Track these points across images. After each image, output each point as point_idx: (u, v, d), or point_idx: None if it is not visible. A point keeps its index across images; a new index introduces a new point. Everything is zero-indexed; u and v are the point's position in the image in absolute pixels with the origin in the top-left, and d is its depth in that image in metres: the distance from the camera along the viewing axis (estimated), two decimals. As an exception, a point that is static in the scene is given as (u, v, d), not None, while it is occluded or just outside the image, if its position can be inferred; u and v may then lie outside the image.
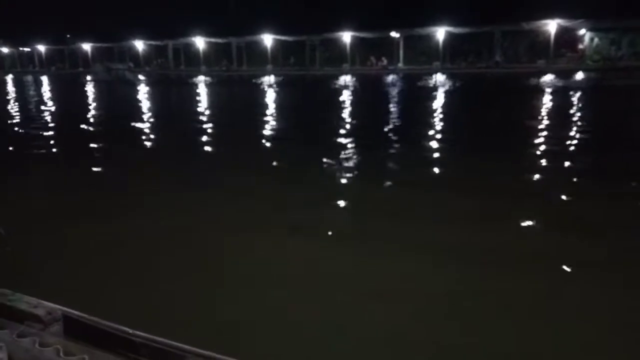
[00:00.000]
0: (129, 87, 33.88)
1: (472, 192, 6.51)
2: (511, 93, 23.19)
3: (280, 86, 32.66)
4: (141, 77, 45.83)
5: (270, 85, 32.92)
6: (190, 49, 54.50)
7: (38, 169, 8.90)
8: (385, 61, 44.57)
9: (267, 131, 12.97)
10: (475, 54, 41.49)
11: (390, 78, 36.46)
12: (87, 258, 4.45)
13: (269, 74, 45.10)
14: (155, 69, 55.01)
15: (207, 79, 42.17)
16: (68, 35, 62.14)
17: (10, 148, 11.10)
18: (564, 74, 31.01)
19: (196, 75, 45.79)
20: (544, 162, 8.63)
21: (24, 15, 60.73)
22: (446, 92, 24.61)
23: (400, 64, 43.97)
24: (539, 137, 10.93)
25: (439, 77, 34.14)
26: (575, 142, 10.51)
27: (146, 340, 2.00)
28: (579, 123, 13.17)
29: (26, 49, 67.19)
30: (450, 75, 34.75)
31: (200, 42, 52.70)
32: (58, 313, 2.20)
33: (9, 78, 51.51)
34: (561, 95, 20.99)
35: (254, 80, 37.59)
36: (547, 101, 19.03)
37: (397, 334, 3.31)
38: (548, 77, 30.18)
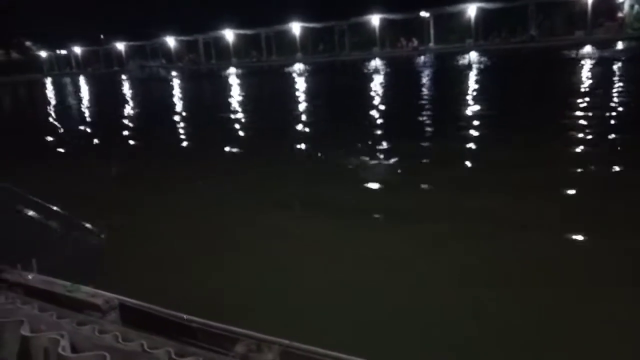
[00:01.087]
0: (164, 83, 34.44)
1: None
2: (549, 67, 22.42)
3: (311, 74, 32.56)
4: (174, 72, 46.52)
5: (300, 74, 32.88)
6: (220, 42, 54.93)
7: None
8: (415, 42, 43.80)
9: (301, 121, 12.94)
10: (509, 29, 40.17)
11: (422, 59, 35.82)
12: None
13: (298, 62, 45.02)
14: (187, 64, 55.71)
15: (238, 70, 42.45)
16: (102, 36, 63.58)
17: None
18: (604, 44, 29.75)
19: (227, 68, 46.17)
20: (588, 136, 8.34)
21: (59, 19, 62.31)
22: (480, 70, 24.00)
23: (432, 44, 43.14)
24: (581, 111, 10.54)
25: (472, 55, 33.31)
26: (620, 115, 10.10)
27: (201, 326, 2.06)
28: (622, 95, 12.65)
29: (63, 52, 69.09)
30: (483, 53, 33.84)
31: (229, 35, 53.05)
32: (115, 302, 2.28)
33: (49, 81, 53.15)
34: (602, 67, 20.15)
35: (285, 69, 37.60)
36: (587, 74, 18.32)
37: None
38: (587, 49, 29.04)
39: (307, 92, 20.81)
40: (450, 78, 21.61)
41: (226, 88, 26.97)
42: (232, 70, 43.79)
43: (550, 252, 4.13)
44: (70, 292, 2.34)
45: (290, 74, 33.78)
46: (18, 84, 52.58)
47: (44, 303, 2.30)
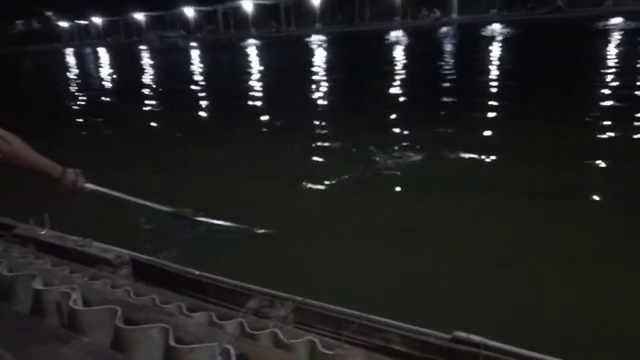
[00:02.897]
0: (183, 54, 34.29)
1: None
2: (576, 40, 21.66)
3: (330, 45, 32.10)
4: (193, 43, 46.30)
5: (319, 45, 32.44)
6: (238, 12, 54.42)
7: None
8: (438, 13, 42.75)
9: (320, 94, 12.74)
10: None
11: (444, 30, 35.00)
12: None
13: (317, 33, 44.40)
14: (206, 34, 55.39)
15: (257, 41, 42.06)
16: (121, 6, 63.39)
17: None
18: (634, 15, 28.60)
19: (246, 39, 45.76)
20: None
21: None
22: (504, 42, 23.35)
23: (454, 15, 42.09)
24: (608, 88, 10.10)
25: (497, 26, 32.42)
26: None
27: (213, 281, 2.02)
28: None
29: (83, 22, 69.19)
30: (508, 24, 32.88)
31: (248, 5, 52.46)
32: (126, 257, 2.26)
33: (70, 51, 53.40)
34: (632, 39, 19.38)
35: (307, 39, 37.13)
36: (615, 47, 17.64)
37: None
38: (616, 20, 27.98)
39: (326, 64, 20.53)
40: (472, 50, 21.02)
41: (245, 59, 26.75)
42: (251, 41, 43.40)
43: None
44: (82, 247, 2.33)
45: (309, 44, 33.34)
46: (39, 53, 53.00)
47: (57, 258, 2.29)
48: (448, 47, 24.03)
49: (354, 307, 1.65)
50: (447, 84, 12.23)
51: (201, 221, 3.02)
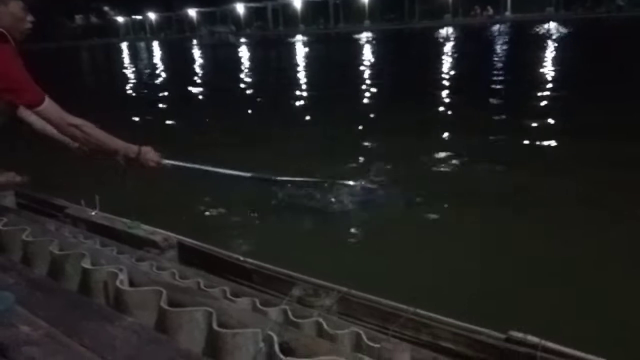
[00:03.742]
0: (234, 49, 34.76)
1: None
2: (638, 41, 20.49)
3: (378, 42, 31.82)
4: (242, 39, 46.94)
5: (367, 42, 32.21)
6: (288, 9, 54.84)
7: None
8: (491, 10, 41.70)
9: (365, 92, 12.58)
10: (597, -1, 37.22)
11: (497, 28, 34.04)
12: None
13: (366, 30, 44.13)
14: (255, 30, 56.06)
15: (305, 38, 42.20)
16: (174, 2, 65.02)
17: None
18: None
19: (294, 35, 46.01)
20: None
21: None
22: (561, 42, 22.42)
23: (508, 13, 40.94)
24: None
25: (552, 25, 31.26)
26: None
27: (257, 267, 2.00)
28: None
29: (138, 17, 71.39)
30: (565, 23, 31.63)
31: (297, 2, 52.78)
32: (173, 240, 2.27)
33: (125, 45, 55.20)
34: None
35: (356, 36, 36.93)
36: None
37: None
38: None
39: (373, 61, 20.32)
40: (526, 49, 20.21)
41: (293, 55, 26.87)
42: (299, 37, 43.60)
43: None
44: (130, 228, 2.37)
45: (357, 41, 33.16)
46: (96, 47, 55.09)
47: (105, 239, 2.34)
48: (500, 46, 23.29)
49: (401, 301, 1.58)
50: (496, 86, 11.72)
51: (282, 180, 3.33)
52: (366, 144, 6.97)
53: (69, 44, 59.06)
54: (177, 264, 2.10)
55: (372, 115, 9.25)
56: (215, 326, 1.63)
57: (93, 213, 2.55)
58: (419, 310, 1.54)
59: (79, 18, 74.61)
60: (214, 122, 9.60)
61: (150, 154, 2.36)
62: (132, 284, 2.01)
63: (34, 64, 2.24)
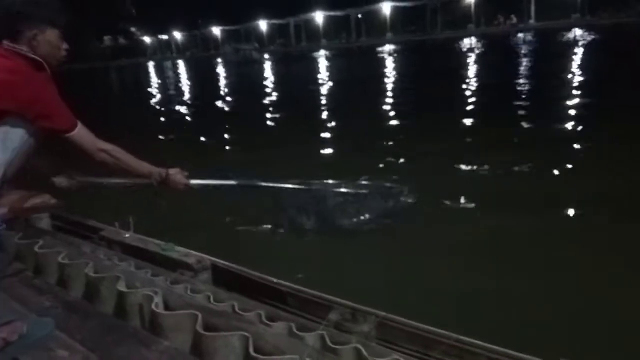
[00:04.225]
0: (259, 66, 35.17)
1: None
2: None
3: (401, 55, 31.76)
4: (266, 56, 47.52)
5: (389, 54, 32.20)
6: (310, 24, 55.38)
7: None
8: (514, 19, 41.32)
9: (389, 106, 12.51)
10: (623, 2, 36.41)
11: (521, 36, 33.65)
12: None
13: (388, 43, 44.18)
14: (279, 47, 56.72)
15: (327, 52, 42.45)
16: (200, 21, 66.37)
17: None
18: None
19: (317, 50, 46.37)
20: None
21: (161, 5, 65.98)
22: (588, 48, 22.00)
23: (532, 21, 40.47)
24: None
25: (578, 32, 30.72)
26: None
27: (292, 290, 1.97)
28: None
29: (164, 37, 73.05)
30: (590, 29, 31.05)
31: (319, 17, 53.26)
32: (207, 262, 2.26)
33: (152, 64, 56.44)
34: None
35: (378, 49, 36.96)
36: None
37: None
38: None
39: (397, 75, 20.27)
40: (552, 57, 19.87)
41: (316, 70, 27.01)
42: (321, 52, 43.89)
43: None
44: (164, 251, 2.37)
45: (379, 54, 33.17)
46: (125, 67, 56.46)
47: (140, 261, 2.35)
48: (525, 55, 22.96)
49: (442, 326, 1.53)
50: (522, 96, 11.45)
51: (315, 189, 3.39)
52: (392, 156, 6.89)
53: (99, 64, 60.78)
54: (211, 287, 2.09)
55: (399, 126, 9.20)
56: (252, 352, 1.61)
57: (127, 235, 2.57)
58: (461, 337, 1.48)
59: (107, 39, 76.72)
60: (241, 137, 9.69)
61: (178, 176, 2.38)
62: (167, 307, 2.01)
63: (67, 85, 2.29)
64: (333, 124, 10.34)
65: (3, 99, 2.03)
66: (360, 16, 51.18)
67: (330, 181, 4.14)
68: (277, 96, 16.48)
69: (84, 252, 2.48)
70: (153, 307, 1.93)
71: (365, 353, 1.45)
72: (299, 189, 3.50)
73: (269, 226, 4.36)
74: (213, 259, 2.24)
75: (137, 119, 14.06)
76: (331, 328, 1.65)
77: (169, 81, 29.92)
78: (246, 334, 1.65)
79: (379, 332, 1.63)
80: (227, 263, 2.22)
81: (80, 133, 2.13)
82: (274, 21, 58.80)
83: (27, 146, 2.23)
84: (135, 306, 2.05)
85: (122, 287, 2.13)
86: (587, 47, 22.47)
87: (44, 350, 1.82)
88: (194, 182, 2.41)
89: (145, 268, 2.25)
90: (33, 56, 2.06)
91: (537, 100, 10.65)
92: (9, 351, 1.64)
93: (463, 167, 6.08)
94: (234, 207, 4.64)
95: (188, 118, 13.63)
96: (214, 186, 2.58)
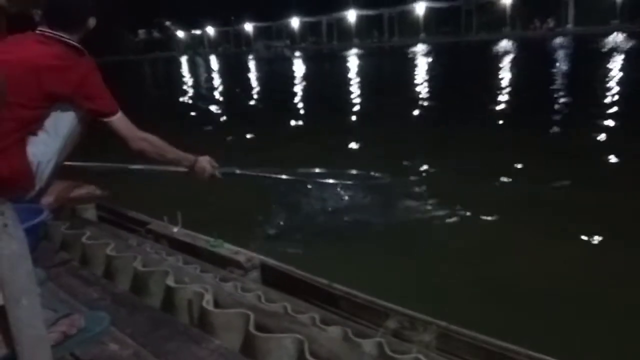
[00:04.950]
0: (289, 63, 35.21)
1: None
2: None
3: (431, 55, 31.34)
4: (297, 53, 47.60)
5: (421, 55, 31.84)
6: (342, 23, 55.26)
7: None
8: (551, 23, 40.43)
9: (421, 106, 12.32)
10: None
11: (558, 41, 32.84)
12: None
13: (421, 43, 43.75)
14: (310, 45, 56.78)
15: (359, 51, 42.25)
16: (233, 17, 66.91)
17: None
18: None
19: (348, 49, 46.21)
20: None
21: (197, 1, 66.98)
22: (628, 56, 21.22)
23: (570, 25, 39.54)
24: None
25: (619, 38, 29.82)
26: None
27: (346, 294, 1.93)
28: None
29: (197, 32, 73.90)
30: (632, 36, 30.07)
31: (352, 15, 53.08)
32: (256, 260, 2.23)
33: (184, 59, 57.10)
34: None
35: (410, 49, 36.59)
36: None
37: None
38: None
39: (429, 76, 19.99)
40: (590, 64, 19.26)
41: (344, 69, 26.87)
42: (353, 51, 43.72)
43: None
44: (213, 247, 2.36)
45: (410, 54, 32.83)
46: (158, 60, 57.32)
47: (188, 256, 2.34)
48: (563, 60, 22.37)
49: (509, 339, 1.46)
50: (559, 103, 11.07)
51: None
52: (420, 158, 6.77)
53: (133, 57, 61.85)
54: (261, 286, 2.06)
55: (425, 127, 9.08)
56: (307, 355, 1.57)
57: (175, 230, 2.57)
58: (531, 352, 1.42)
59: (142, 32, 78.02)
60: (272, 132, 9.71)
61: (206, 164, 2.49)
62: (216, 304, 1.99)
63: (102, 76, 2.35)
64: (357, 121, 10.30)
65: (56, 83, 2.11)
66: (393, 16, 50.82)
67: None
68: (305, 93, 16.49)
69: (131, 245, 2.49)
70: (204, 304, 1.91)
71: (427, 363, 1.40)
72: (326, 182, 3.60)
73: (310, 222, 4.29)
74: (262, 257, 2.22)
75: (169, 111, 14.26)
76: (389, 335, 1.60)
77: (201, 76, 30.23)
78: (300, 336, 1.61)
79: (440, 342, 1.57)
80: (276, 262, 2.19)
81: (122, 118, 2.25)
82: (306, 19, 58.87)
83: (76, 132, 2.29)
84: (184, 302, 2.03)
85: (170, 282, 2.12)
86: (627, 54, 21.76)
87: (96, 343, 1.82)
88: (222, 169, 2.51)
89: (193, 263, 2.24)
90: (74, 43, 2.18)
91: (571, 107, 10.32)
92: (68, 345, 1.63)
93: (490, 172, 5.89)
94: (274, 200, 4.58)
95: (218, 111, 13.76)
96: (241, 175, 2.69)
